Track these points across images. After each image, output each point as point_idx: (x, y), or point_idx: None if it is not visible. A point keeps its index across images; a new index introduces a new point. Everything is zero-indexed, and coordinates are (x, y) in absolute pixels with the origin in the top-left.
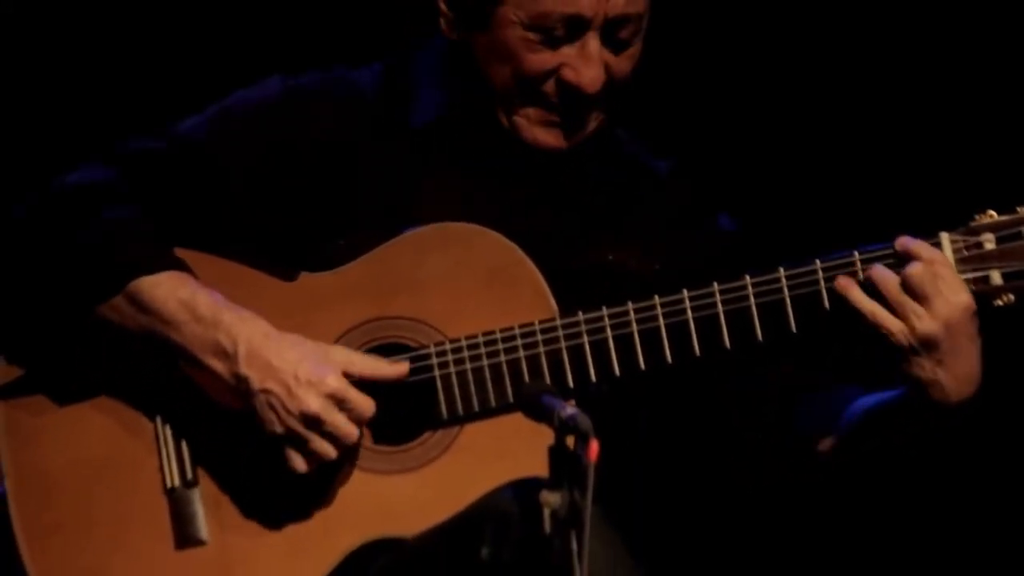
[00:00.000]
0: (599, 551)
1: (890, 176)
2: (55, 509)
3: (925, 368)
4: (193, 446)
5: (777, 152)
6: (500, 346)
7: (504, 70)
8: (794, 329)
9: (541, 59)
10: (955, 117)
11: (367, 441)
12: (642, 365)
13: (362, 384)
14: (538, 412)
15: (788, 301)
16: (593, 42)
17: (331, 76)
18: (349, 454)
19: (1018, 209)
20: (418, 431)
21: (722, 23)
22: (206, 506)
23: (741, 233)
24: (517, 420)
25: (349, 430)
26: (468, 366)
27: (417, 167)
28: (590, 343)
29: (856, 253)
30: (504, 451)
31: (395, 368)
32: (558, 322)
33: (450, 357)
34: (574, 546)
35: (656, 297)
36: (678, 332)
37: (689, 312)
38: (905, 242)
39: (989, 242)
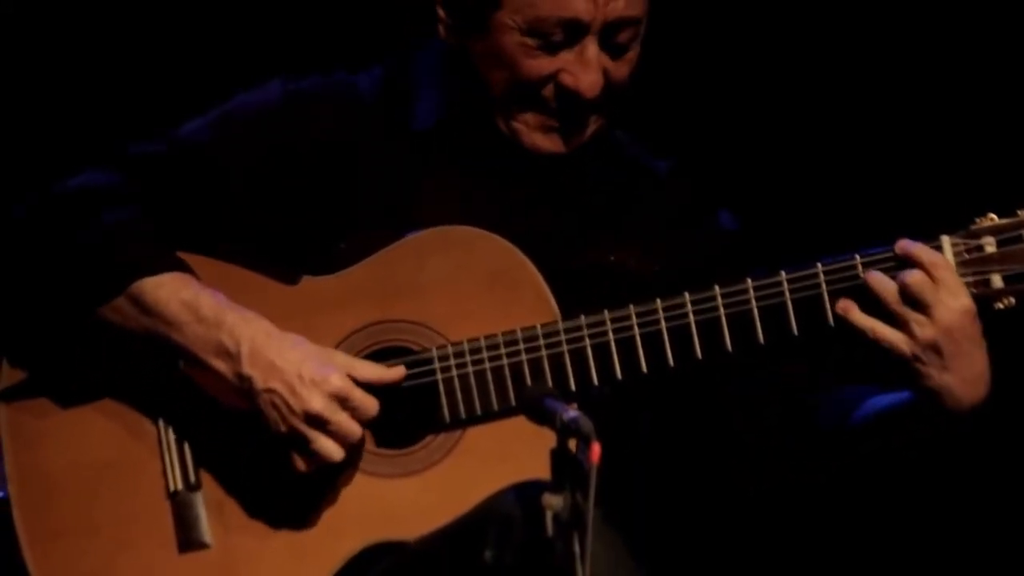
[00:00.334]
0: (601, 553)
1: (892, 179)
2: (58, 513)
3: (932, 376)
4: (196, 449)
5: (779, 153)
6: (502, 349)
7: (502, 76)
8: (796, 332)
9: (539, 65)
10: (956, 119)
11: (370, 444)
12: (644, 368)
13: (366, 389)
14: (540, 415)
15: (790, 304)
16: (591, 47)
17: (331, 79)
18: (352, 457)
19: (1018, 212)
20: (420, 435)
21: (724, 23)
22: (209, 509)
23: (742, 232)
24: (519, 423)
25: (353, 429)
26: (470, 369)
27: (417, 169)
28: (592, 346)
29: (857, 256)
30: (506, 454)
31: (395, 371)
32: (560, 325)
33: (452, 360)
34: (576, 548)
35: (658, 300)
36: (680, 335)
37: (691, 315)
38: (905, 245)
39: (990, 245)
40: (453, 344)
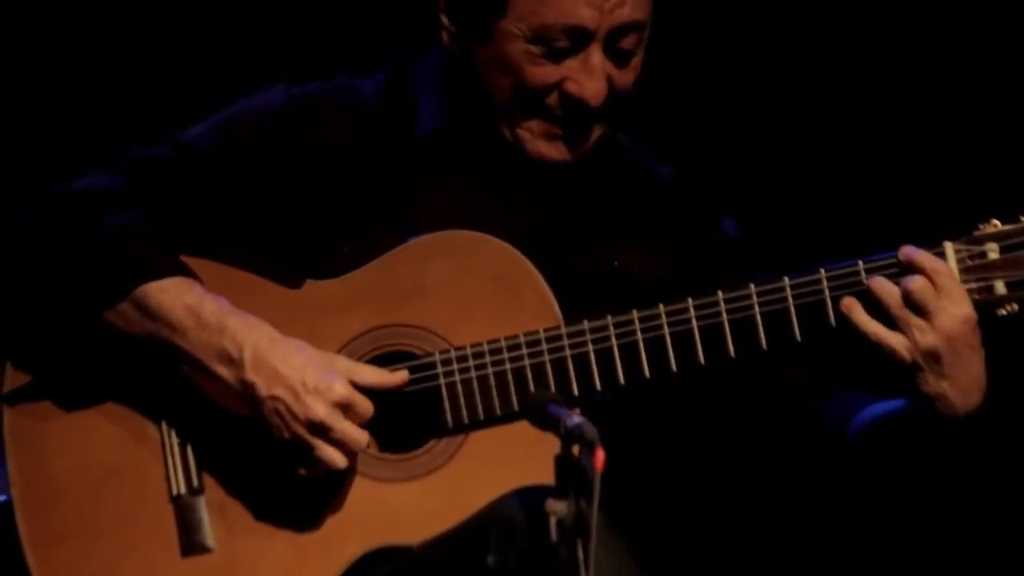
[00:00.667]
0: (604, 559)
1: (895, 185)
2: (61, 516)
3: (930, 382)
4: (199, 453)
5: (782, 158)
6: (505, 354)
7: (506, 83)
8: (799, 338)
9: (543, 72)
10: (960, 125)
11: (372, 449)
12: (647, 373)
13: (368, 393)
14: (544, 421)
15: (792, 310)
16: (596, 54)
17: (334, 84)
18: (355, 462)
19: (1022, 218)
20: (423, 439)
21: (728, 29)
22: (212, 513)
23: (745, 238)
24: (522, 428)
25: (356, 436)
26: (473, 374)
27: (419, 173)
28: (595, 351)
29: (860, 263)
30: (509, 459)
31: (398, 376)
32: (563, 330)
33: (455, 365)
34: (580, 554)
35: (661, 306)
36: (683, 341)
37: (694, 321)
38: (909, 252)
39: (993, 252)
40: (456, 348)
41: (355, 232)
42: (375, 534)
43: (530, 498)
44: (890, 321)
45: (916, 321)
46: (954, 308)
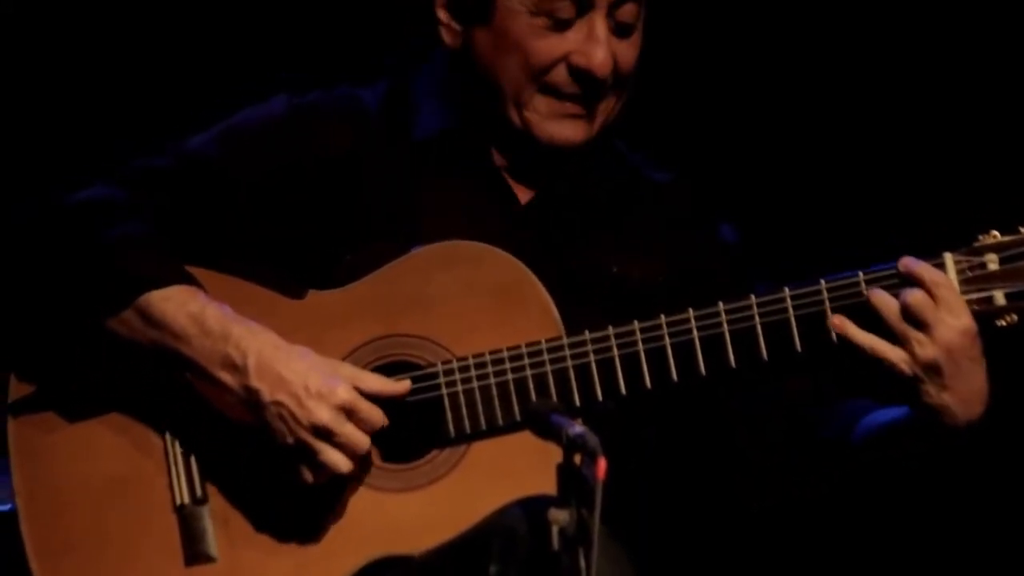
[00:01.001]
0: (606, 568)
1: (894, 196)
2: (66, 527)
3: (931, 394)
4: (202, 463)
5: (783, 167)
6: (507, 364)
7: (512, 63)
8: (799, 349)
9: (549, 45)
10: (959, 136)
11: (375, 459)
12: (648, 384)
13: (372, 402)
14: (546, 430)
15: (793, 321)
16: (599, 23)
17: (336, 93)
18: (357, 471)
19: (1021, 229)
20: (425, 449)
21: (728, 35)
22: (215, 523)
23: (743, 245)
24: (524, 438)
25: (359, 440)
26: (475, 384)
27: (420, 180)
28: (596, 362)
29: (860, 274)
30: (510, 469)
31: (401, 385)
32: (564, 341)
33: (457, 375)
34: (582, 564)
35: (662, 316)
36: (684, 351)
37: (695, 331)
38: (908, 264)
39: (992, 262)
40: (458, 359)
41: (358, 239)
42: (377, 544)
43: (532, 508)
44: (889, 334)
45: (915, 334)
46: (953, 320)
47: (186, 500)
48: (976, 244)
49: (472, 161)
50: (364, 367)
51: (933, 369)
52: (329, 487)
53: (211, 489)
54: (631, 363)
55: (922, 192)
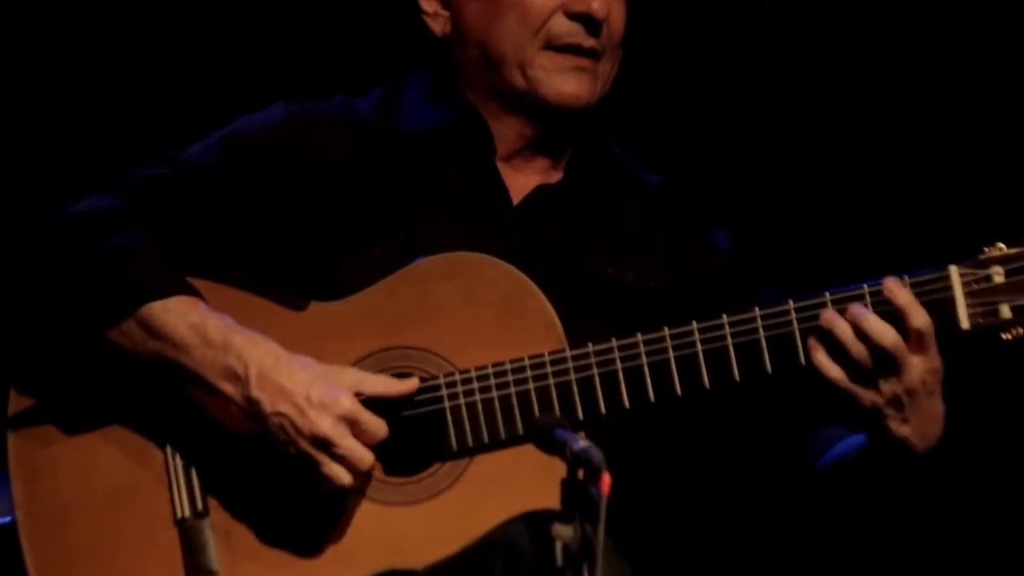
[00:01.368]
0: None
1: (900, 208)
2: (66, 541)
3: (890, 427)
4: (203, 476)
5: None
6: (510, 377)
7: (509, 23)
8: (803, 362)
9: None
10: (966, 148)
11: (377, 472)
12: (652, 397)
13: (376, 411)
14: (550, 445)
15: (798, 334)
16: None
17: (332, 102)
18: (359, 485)
19: None
20: (428, 462)
21: (727, 41)
22: (217, 536)
23: (737, 251)
24: (527, 452)
25: (362, 454)
26: (478, 397)
27: (415, 183)
28: (600, 375)
29: (865, 286)
30: (513, 483)
31: (406, 384)
32: (568, 353)
33: (460, 388)
34: None
35: (666, 329)
36: (687, 364)
37: (698, 344)
38: (892, 289)
39: (998, 275)
40: (460, 372)
41: (354, 247)
42: (379, 558)
43: (536, 522)
44: (857, 365)
45: (884, 373)
46: (924, 363)
47: (187, 513)
48: (982, 257)
49: (467, 159)
50: None
51: (895, 404)
52: (331, 500)
53: (212, 502)
54: (634, 376)
55: (927, 204)
